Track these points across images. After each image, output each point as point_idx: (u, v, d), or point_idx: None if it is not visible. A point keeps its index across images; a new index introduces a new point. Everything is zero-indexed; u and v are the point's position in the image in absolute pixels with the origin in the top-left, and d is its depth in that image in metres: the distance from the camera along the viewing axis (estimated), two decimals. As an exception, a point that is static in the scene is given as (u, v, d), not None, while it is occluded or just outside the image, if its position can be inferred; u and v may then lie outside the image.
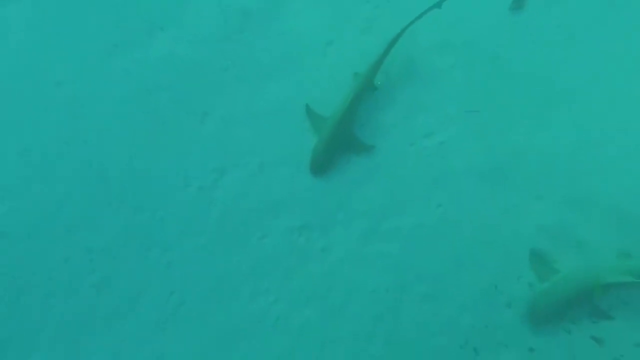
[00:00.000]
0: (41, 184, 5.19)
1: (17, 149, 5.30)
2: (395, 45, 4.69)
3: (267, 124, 5.24)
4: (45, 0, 5.80)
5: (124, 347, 4.54)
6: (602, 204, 4.31)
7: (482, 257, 4.39)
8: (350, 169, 4.88)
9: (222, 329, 4.46)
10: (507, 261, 4.33)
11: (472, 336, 4.09)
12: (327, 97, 5.01)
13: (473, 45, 4.99)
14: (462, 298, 4.29)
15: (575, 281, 3.73)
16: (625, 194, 4.24)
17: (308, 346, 4.33)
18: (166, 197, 5.06)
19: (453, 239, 4.51)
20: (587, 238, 4.20)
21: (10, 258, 4.89)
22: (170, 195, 5.06)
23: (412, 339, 4.22)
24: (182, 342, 4.45)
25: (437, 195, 4.65)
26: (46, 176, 5.22)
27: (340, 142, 4.67)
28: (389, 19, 5.21)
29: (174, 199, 5.05)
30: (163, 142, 5.24)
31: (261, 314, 4.46)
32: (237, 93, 5.35)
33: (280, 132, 5.17)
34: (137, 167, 5.21)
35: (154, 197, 5.07)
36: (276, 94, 5.31)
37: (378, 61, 4.70)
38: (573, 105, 4.72)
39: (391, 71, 4.97)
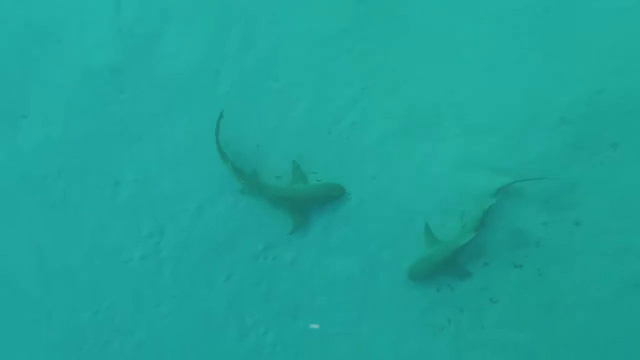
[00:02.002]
0: None
1: None
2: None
3: (187, 166, 4.94)
4: None
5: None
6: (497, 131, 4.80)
7: (422, 206, 4.74)
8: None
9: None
10: (441, 202, 4.74)
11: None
12: (232, 120, 4.86)
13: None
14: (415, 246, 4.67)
15: (441, 252, 4.45)
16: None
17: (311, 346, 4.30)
18: (109, 280, 4.53)
19: (394, 200, 4.77)
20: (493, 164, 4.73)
21: None
22: (112, 276, 4.56)
23: (384, 302, 4.54)
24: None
25: (369, 168, 4.81)
26: None
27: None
28: (262, 38, 5.14)
29: (118, 279, 4.58)
30: (78, 229, 4.74)
31: (256, 347, 4.27)
32: (140, 152, 4.93)
33: (204, 168, 4.88)
34: (54, 265, 4.70)
35: (94, 287, 4.53)
36: (181, 136, 5.02)
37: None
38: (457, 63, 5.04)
39: (289, 72, 4.98)
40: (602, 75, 4.57)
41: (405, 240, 4.65)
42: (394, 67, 4.92)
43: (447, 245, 4.38)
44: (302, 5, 5.04)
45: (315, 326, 4.35)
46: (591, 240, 4.48)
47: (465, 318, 4.39)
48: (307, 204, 4.54)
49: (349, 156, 4.82)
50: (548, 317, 4.41)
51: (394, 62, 4.92)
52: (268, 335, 4.34)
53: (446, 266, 4.39)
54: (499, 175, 4.53)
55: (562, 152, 4.58)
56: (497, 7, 4.75)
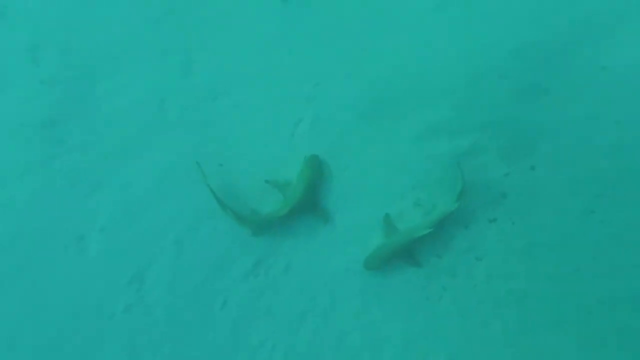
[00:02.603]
0: None
1: None
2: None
3: (155, 202, 4.73)
4: None
5: None
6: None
7: (398, 184, 4.83)
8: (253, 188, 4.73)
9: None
10: (414, 176, 4.87)
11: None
12: (190, 143, 4.73)
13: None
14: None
15: (395, 242, 4.46)
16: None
17: (324, 347, 4.32)
18: (97, 340, 4.25)
19: (371, 186, 4.81)
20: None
21: None
22: (99, 335, 4.30)
23: (384, 286, 4.57)
24: None
25: (339, 161, 4.86)
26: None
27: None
28: (202, 58, 5.02)
29: (106, 336, 4.31)
30: (50, 295, 4.39)
31: (268, 362, 4.15)
32: (100, 199, 4.64)
33: (174, 199, 4.71)
34: (32, 341, 4.34)
35: (83, 351, 4.27)
36: (142, 172, 4.81)
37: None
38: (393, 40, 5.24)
39: (238, 85, 4.94)
40: (521, 31, 4.90)
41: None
42: (338, 57, 5.01)
43: (402, 235, 4.46)
44: (233, 20, 5.05)
45: None
46: (547, 180, 4.76)
47: (458, 282, 4.53)
48: (311, 194, 4.54)
49: (316, 153, 4.80)
50: (528, 259, 4.63)
51: (337, 53, 5.01)
52: (277, 349, 4.22)
53: (399, 256, 4.46)
54: (459, 136, 4.72)
55: (507, 105, 4.84)
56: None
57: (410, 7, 5.08)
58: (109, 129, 4.75)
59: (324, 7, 5.11)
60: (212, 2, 5.22)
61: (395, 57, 4.98)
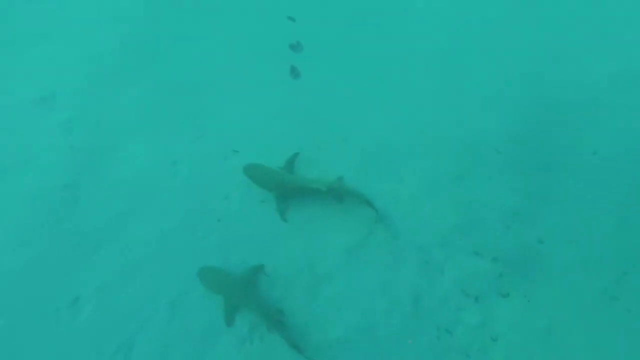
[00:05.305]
0: None
1: None
2: None
3: (152, 265, 4.53)
4: None
5: None
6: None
7: None
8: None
9: None
10: None
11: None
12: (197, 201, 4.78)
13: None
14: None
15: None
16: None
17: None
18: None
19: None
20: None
21: None
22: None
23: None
24: None
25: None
26: None
27: None
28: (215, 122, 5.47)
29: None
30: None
31: None
32: (100, 260, 4.49)
33: (171, 262, 4.53)
34: None
35: None
36: (143, 235, 4.69)
37: None
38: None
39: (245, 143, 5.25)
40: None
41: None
42: (333, 125, 5.42)
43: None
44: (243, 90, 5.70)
45: None
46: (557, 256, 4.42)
47: (473, 362, 3.95)
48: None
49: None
50: (549, 343, 4.07)
51: (332, 121, 5.46)
52: None
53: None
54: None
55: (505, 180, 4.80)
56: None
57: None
58: (118, 193, 4.85)
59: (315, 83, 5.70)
60: (223, 76, 5.82)
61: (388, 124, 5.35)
